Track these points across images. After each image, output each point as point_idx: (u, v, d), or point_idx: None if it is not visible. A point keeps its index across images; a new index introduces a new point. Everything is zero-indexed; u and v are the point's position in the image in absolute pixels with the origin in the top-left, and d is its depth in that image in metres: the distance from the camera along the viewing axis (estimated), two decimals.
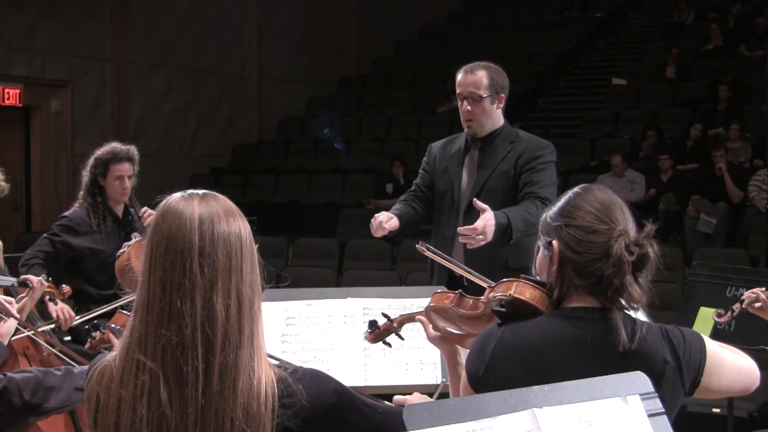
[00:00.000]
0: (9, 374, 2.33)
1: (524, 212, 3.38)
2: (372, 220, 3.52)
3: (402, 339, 2.60)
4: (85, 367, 2.47)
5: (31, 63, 10.70)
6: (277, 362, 1.71)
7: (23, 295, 3.29)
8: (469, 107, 3.65)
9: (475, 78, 3.65)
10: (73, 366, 2.84)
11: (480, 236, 3.17)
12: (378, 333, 2.56)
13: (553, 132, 11.51)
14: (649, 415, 1.53)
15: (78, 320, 4.08)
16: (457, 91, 3.70)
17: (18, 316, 3.05)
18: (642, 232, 1.84)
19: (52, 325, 3.98)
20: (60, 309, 4.08)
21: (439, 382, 2.92)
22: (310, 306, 2.98)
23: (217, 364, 1.57)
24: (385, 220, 3.52)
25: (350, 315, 2.97)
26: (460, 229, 3.24)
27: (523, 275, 1.97)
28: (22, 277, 3.44)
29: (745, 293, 2.68)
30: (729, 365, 1.90)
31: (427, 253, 2.64)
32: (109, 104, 11.60)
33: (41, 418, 2.43)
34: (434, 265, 3.81)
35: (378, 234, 3.54)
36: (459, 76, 3.70)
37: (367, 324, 2.60)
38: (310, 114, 13.71)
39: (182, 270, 1.58)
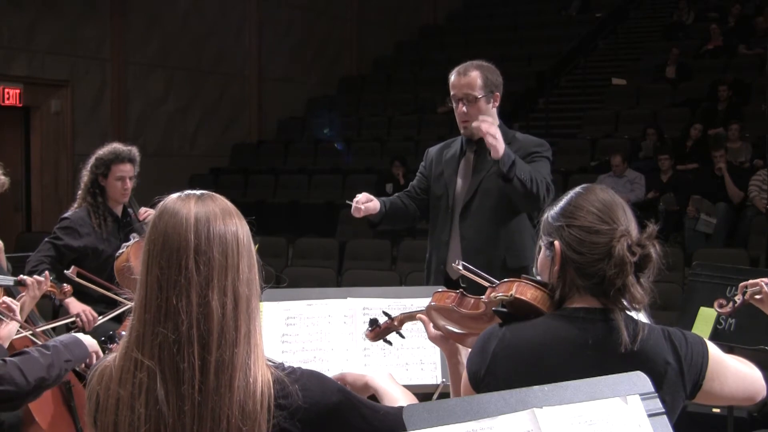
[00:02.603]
0: (7, 359, 2.44)
1: (531, 168, 3.48)
2: (353, 200, 3.56)
3: (403, 337, 2.59)
4: (68, 336, 2.63)
5: (31, 63, 10.70)
6: (274, 364, 1.71)
7: (23, 294, 3.32)
8: (464, 109, 3.64)
9: (469, 79, 3.63)
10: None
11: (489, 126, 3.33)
12: (379, 331, 2.55)
13: (553, 132, 11.51)
14: (649, 415, 1.53)
15: (101, 320, 4.08)
16: (452, 93, 3.69)
17: (20, 319, 3.07)
18: (644, 232, 1.83)
19: (71, 320, 4.00)
20: (83, 311, 4.08)
21: (439, 382, 2.91)
22: (310, 306, 2.97)
23: (213, 362, 1.58)
24: (363, 200, 3.54)
25: (350, 315, 2.97)
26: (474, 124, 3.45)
27: (524, 275, 1.96)
28: (20, 276, 3.46)
29: (749, 281, 2.63)
30: (732, 371, 1.88)
31: (464, 272, 2.61)
32: (109, 104, 11.59)
33: (40, 394, 2.55)
34: (431, 266, 3.81)
35: (357, 215, 3.56)
36: (452, 78, 3.68)
37: (367, 323, 2.59)
38: (310, 114, 13.71)
39: (178, 267, 1.59)
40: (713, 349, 1.87)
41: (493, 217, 3.60)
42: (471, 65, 3.68)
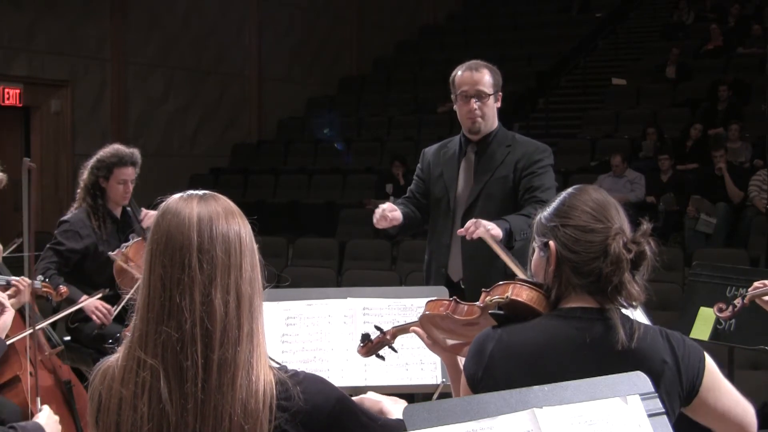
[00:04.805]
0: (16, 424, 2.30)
1: (524, 215, 3.37)
2: (375, 209, 3.48)
3: (395, 351, 2.56)
4: (32, 425, 2.40)
5: (31, 63, 10.69)
6: (277, 365, 1.71)
7: (9, 293, 3.35)
8: (476, 105, 3.63)
9: (481, 76, 3.63)
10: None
11: (474, 228, 3.14)
12: (371, 346, 2.52)
13: (553, 132, 11.52)
14: (649, 415, 1.54)
15: (115, 311, 4.10)
16: (462, 89, 3.65)
17: (11, 307, 3.09)
18: (638, 230, 1.84)
19: (76, 309, 4.02)
20: (95, 306, 4.08)
21: (439, 382, 2.92)
22: (310, 306, 2.98)
23: (216, 360, 1.59)
24: (389, 209, 3.47)
25: (350, 315, 2.97)
26: (459, 231, 3.24)
27: (518, 277, 1.96)
28: (12, 279, 3.48)
29: (755, 284, 2.65)
30: (727, 389, 1.88)
31: (490, 242, 2.55)
32: (109, 104, 11.59)
33: None
34: (431, 269, 3.79)
35: (381, 225, 3.49)
36: (463, 74, 3.65)
37: (363, 331, 2.56)
38: (310, 114, 13.71)
39: (181, 266, 1.60)
40: (711, 362, 1.87)
41: None
42: (480, 63, 3.68)
